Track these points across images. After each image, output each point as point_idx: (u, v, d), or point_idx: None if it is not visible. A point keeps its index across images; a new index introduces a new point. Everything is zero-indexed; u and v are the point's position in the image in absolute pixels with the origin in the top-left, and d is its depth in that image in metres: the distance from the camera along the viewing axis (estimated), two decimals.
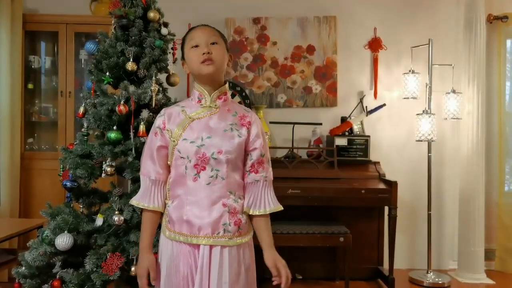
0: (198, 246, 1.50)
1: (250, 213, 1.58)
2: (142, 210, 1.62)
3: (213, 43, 1.53)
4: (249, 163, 1.58)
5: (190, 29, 1.60)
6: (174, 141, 1.53)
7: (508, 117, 3.90)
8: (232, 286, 1.49)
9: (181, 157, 1.52)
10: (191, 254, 1.50)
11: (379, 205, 3.47)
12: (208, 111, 1.57)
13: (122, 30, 2.25)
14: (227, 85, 1.62)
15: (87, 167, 2.13)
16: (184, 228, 1.50)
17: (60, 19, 3.59)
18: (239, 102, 3.76)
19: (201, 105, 1.58)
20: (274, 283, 1.55)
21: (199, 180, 1.50)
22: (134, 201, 1.62)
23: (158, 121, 1.59)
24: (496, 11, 3.85)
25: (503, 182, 3.86)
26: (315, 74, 3.89)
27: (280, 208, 1.61)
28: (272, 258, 1.55)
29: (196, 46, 1.53)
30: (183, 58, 1.61)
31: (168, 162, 1.58)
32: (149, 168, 1.58)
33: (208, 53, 1.51)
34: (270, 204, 1.59)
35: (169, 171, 1.59)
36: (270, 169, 1.62)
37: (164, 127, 1.57)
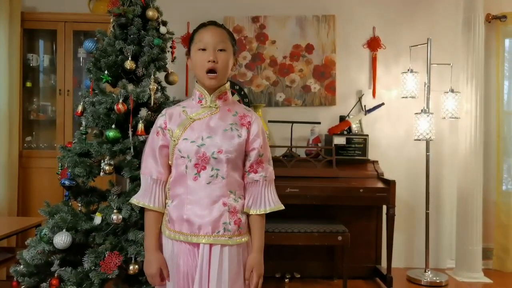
0: (198, 245, 1.50)
1: (250, 213, 1.57)
2: (144, 210, 1.61)
3: (221, 50, 1.52)
4: (248, 163, 1.58)
5: (201, 26, 1.58)
6: (174, 140, 1.54)
7: (506, 116, 3.91)
8: (231, 285, 1.49)
9: (182, 157, 1.52)
10: (191, 252, 1.51)
11: (377, 204, 3.47)
12: (209, 111, 1.57)
13: (120, 29, 2.24)
14: (227, 84, 1.61)
15: (86, 165, 2.12)
16: (184, 227, 1.51)
17: (58, 17, 3.59)
18: (238, 101, 3.76)
19: (201, 105, 1.58)
20: (246, 282, 1.55)
21: (200, 179, 1.50)
22: (135, 200, 1.61)
23: (160, 120, 1.60)
24: (494, 11, 3.85)
25: (501, 181, 3.87)
26: (314, 73, 3.89)
27: (281, 207, 1.61)
28: (253, 262, 1.55)
29: (204, 49, 1.52)
30: (188, 52, 1.60)
31: (169, 162, 1.58)
32: (150, 167, 1.58)
33: (214, 61, 1.50)
34: (271, 203, 1.58)
35: (169, 171, 1.59)
36: (271, 168, 1.62)
37: (166, 126, 1.57)
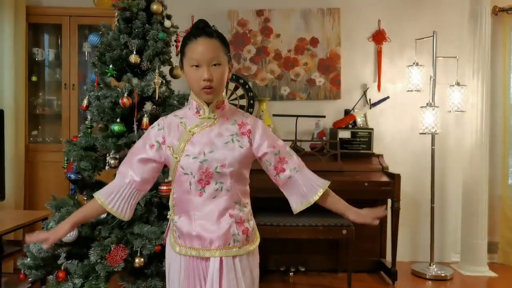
0: (207, 258, 1.49)
1: (311, 202, 1.55)
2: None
3: (215, 64, 1.45)
4: (270, 167, 1.54)
5: (191, 37, 1.46)
6: (176, 157, 1.48)
7: None
8: None
9: (185, 174, 1.48)
10: (200, 266, 1.50)
11: (382, 197, 3.47)
12: (208, 122, 1.51)
13: (125, 23, 2.25)
14: (224, 93, 1.55)
15: (91, 159, 2.14)
16: (195, 242, 1.49)
17: (63, 11, 3.59)
18: (242, 95, 3.77)
19: (199, 116, 1.52)
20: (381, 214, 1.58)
21: (205, 194, 1.48)
22: (98, 195, 1.52)
23: (157, 134, 1.52)
24: (501, 3, 3.82)
25: (506, 175, 3.85)
26: (319, 67, 3.88)
27: (328, 182, 1.58)
28: (356, 216, 1.57)
29: (197, 66, 1.45)
30: (181, 61, 1.52)
31: (170, 178, 1.55)
32: (130, 172, 1.52)
33: (209, 80, 1.43)
34: (319, 183, 1.56)
35: (146, 183, 1.54)
36: (295, 156, 1.57)
37: (164, 141, 1.51)
